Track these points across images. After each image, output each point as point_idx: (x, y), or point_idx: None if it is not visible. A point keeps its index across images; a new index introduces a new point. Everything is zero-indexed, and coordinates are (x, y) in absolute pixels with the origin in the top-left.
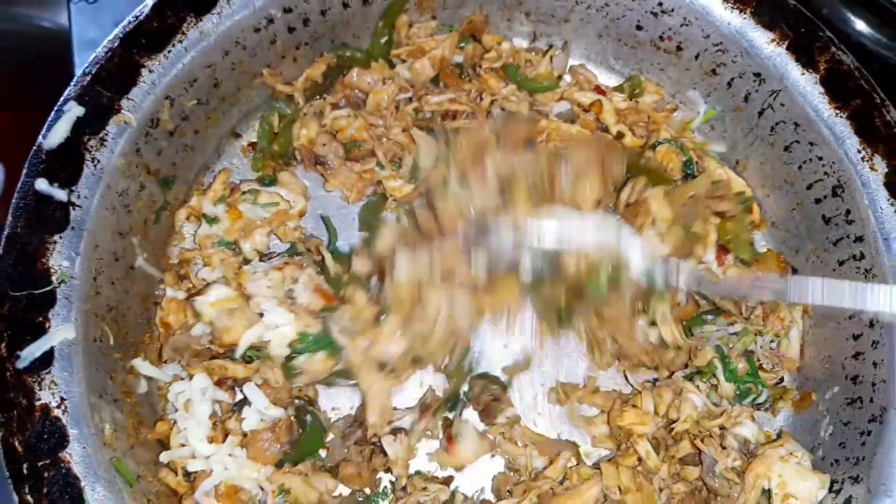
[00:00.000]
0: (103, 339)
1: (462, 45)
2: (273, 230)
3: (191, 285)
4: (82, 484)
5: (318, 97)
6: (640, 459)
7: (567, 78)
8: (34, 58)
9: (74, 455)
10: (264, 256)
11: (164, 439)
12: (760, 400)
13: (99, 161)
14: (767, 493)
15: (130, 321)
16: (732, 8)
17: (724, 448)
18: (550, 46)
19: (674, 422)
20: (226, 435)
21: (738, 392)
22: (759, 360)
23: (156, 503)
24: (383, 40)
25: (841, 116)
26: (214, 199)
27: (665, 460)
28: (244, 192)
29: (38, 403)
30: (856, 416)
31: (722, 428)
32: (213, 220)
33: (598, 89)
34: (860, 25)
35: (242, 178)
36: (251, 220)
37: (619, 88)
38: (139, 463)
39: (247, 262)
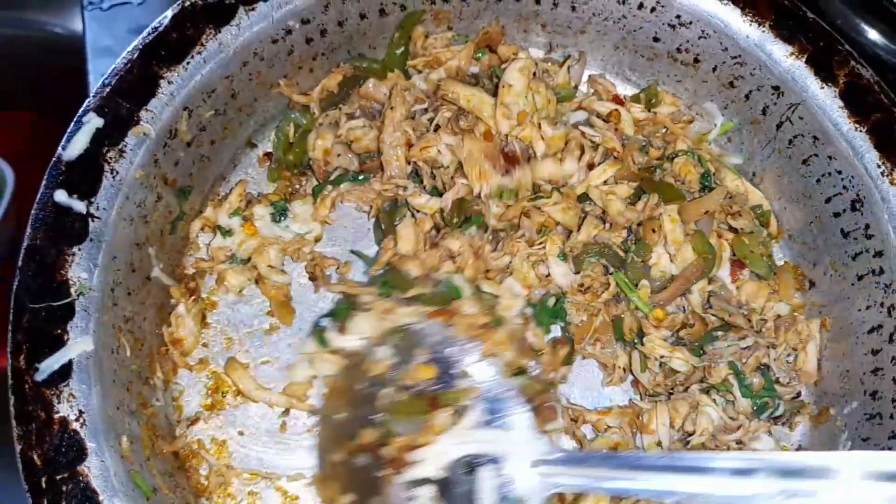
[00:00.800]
0: (120, 351)
1: (478, 55)
2: (286, 250)
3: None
4: (101, 497)
5: (333, 107)
6: None
7: (584, 88)
8: (48, 63)
9: (93, 468)
10: None
11: (179, 451)
12: (777, 413)
13: (118, 172)
14: None
15: (146, 332)
16: (751, 21)
17: None
18: (568, 57)
19: (690, 435)
20: None
21: (755, 407)
22: (775, 374)
23: None
24: (399, 51)
25: (860, 130)
26: (230, 210)
27: None
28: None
29: (56, 416)
30: (875, 432)
31: (739, 442)
32: (227, 233)
33: (617, 99)
34: (874, 35)
35: (260, 192)
36: (266, 237)
37: (636, 98)
38: (155, 475)
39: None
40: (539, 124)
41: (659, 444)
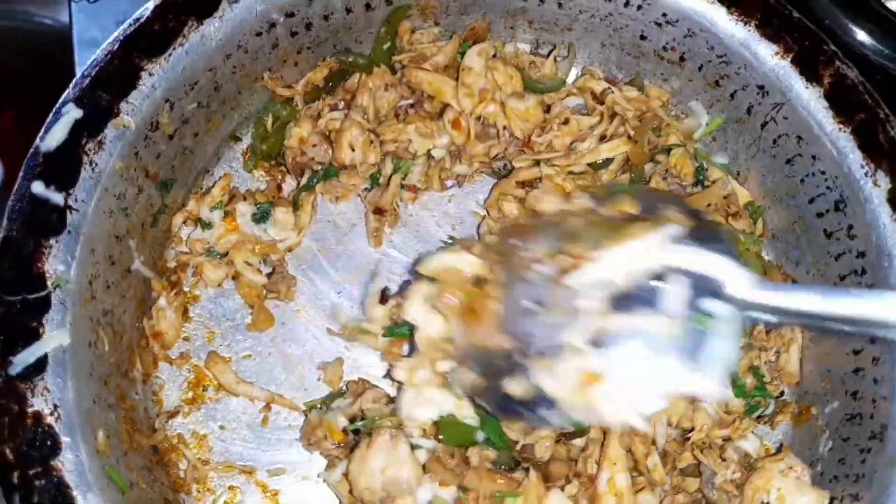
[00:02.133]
0: (98, 344)
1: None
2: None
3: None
4: (74, 493)
5: (317, 101)
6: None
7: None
8: (34, 56)
9: (67, 463)
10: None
11: (158, 445)
12: (767, 412)
13: (97, 164)
14: None
15: (126, 325)
16: (737, 20)
17: (723, 460)
18: (555, 46)
19: (688, 431)
20: None
21: (747, 406)
22: (763, 375)
23: None
24: (386, 46)
25: (844, 131)
26: (212, 203)
27: (669, 472)
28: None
29: (30, 410)
30: (855, 432)
31: (725, 440)
32: (206, 225)
33: (609, 80)
34: (861, 36)
35: (247, 189)
36: (246, 234)
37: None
38: (132, 469)
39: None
40: (503, 102)
41: (654, 443)
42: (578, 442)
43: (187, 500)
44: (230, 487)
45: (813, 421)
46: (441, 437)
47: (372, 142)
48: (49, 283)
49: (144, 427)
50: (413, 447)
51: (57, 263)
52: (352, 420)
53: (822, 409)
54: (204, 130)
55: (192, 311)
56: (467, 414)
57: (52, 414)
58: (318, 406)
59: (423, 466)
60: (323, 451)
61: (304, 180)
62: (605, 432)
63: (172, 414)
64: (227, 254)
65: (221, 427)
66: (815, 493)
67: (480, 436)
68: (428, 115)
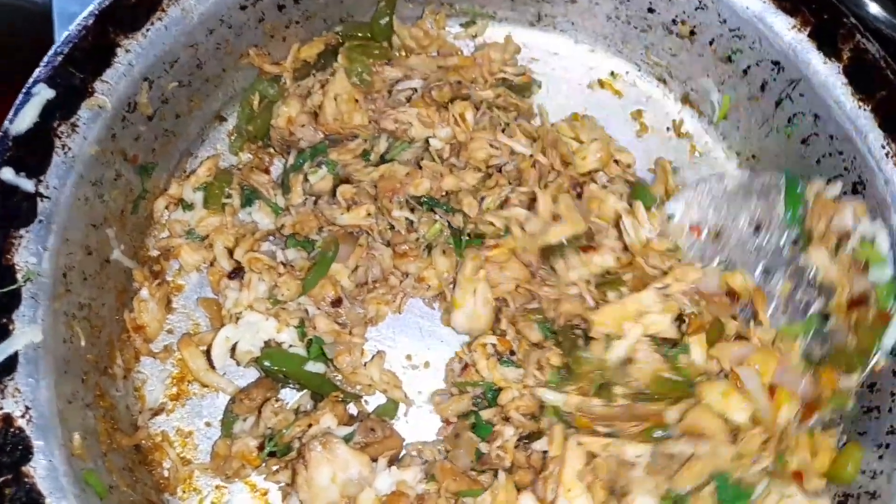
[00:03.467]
0: (74, 340)
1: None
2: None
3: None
4: (47, 500)
5: (307, 78)
6: None
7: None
8: (13, 32)
9: (39, 469)
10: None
11: (140, 444)
12: None
13: (70, 148)
14: None
15: (105, 318)
16: None
17: None
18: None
19: None
20: None
21: None
22: None
23: None
24: (384, 21)
25: (864, 109)
26: (196, 184)
27: None
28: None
29: None
30: (873, 427)
31: None
32: (188, 207)
33: None
34: (874, 9)
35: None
36: (238, 222)
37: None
38: (112, 471)
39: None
40: None
41: None
42: (538, 446)
43: (172, 501)
44: (217, 487)
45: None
46: (265, 363)
47: (357, 101)
48: (19, 276)
49: (126, 426)
50: (346, 440)
51: (27, 255)
52: (261, 443)
53: None
54: (186, 111)
55: (175, 301)
56: (288, 339)
57: (23, 416)
58: (221, 436)
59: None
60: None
61: (290, 160)
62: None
63: (156, 411)
64: (206, 237)
65: (208, 424)
66: None
67: (311, 366)
68: (434, 103)
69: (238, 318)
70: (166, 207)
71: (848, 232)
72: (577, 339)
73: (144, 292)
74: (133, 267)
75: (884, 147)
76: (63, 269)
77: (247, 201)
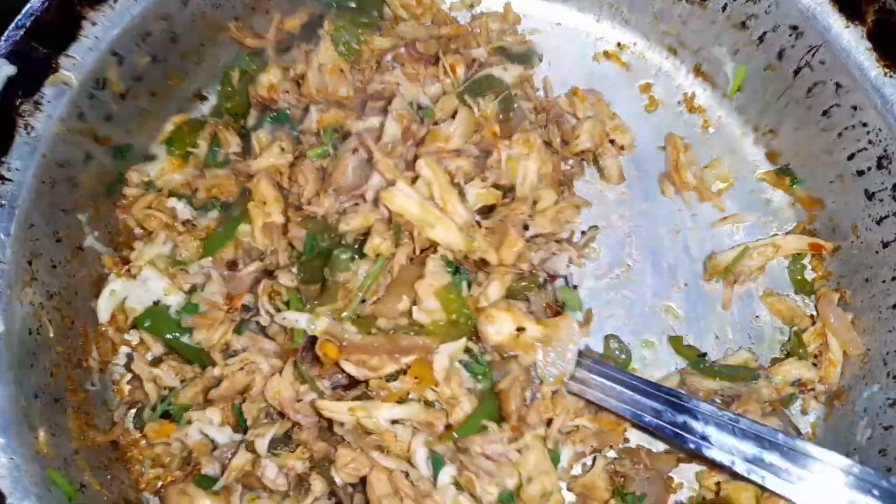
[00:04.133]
0: (42, 331)
1: None
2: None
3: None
4: (8, 501)
5: (291, 51)
6: None
7: None
8: None
9: (0, 468)
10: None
11: (118, 440)
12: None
13: (34, 128)
14: None
15: (78, 308)
16: None
17: None
18: None
19: None
20: None
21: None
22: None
23: None
24: None
25: (891, 76)
26: (162, 139)
27: None
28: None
29: None
30: None
31: None
32: (150, 158)
33: None
34: None
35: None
36: (194, 176)
37: None
38: (84, 470)
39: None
40: None
41: None
42: None
43: (152, 500)
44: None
45: (849, 405)
46: (145, 324)
47: (343, 71)
48: None
49: (102, 421)
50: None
51: None
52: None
53: (859, 392)
54: (162, 89)
55: None
56: (175, 304)
57: None
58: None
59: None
60: None
61: (251, 121)
62: None
63: (134, 404)
64: (160, 190)
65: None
66: None
67: (188, 338)
68: (421, 58)
69: (139, 274)
70: (136, 185)
71: None
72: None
73: (114, 278)
74: (109, 254)
75: None
76: (28, 257)
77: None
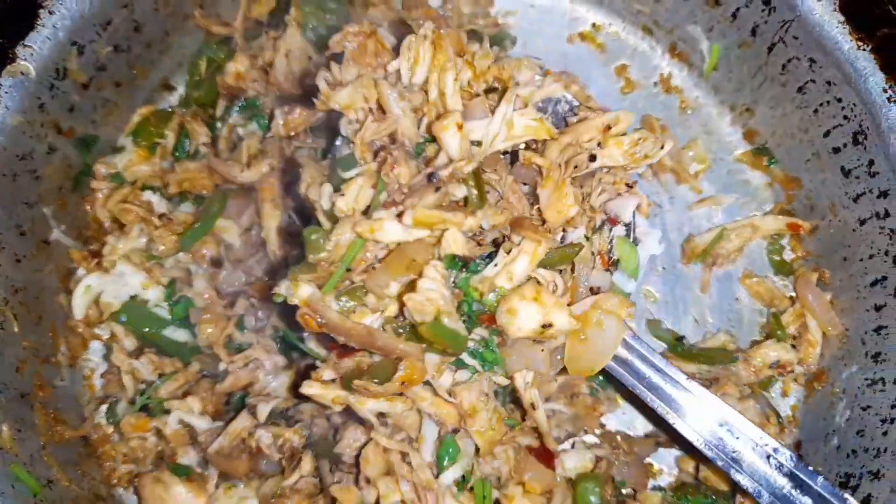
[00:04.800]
0: (6, 326)
1: None
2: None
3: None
4: None
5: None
6: None
7: None
8: None
9: None
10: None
11: (87, 436)
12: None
13: None
14: None
15: (45, 303)
16: None
17: None
18: None
19: None
20: None
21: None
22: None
23: None
24: None
25: (864, 49)
26: (129, 130)
27: None
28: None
29: None
30: (876, 400)
31: None
32: (118, 149)
33: None
34: None
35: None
36: (163, 168)
37: None
38: (52, 465)
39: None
40: None
41: None
42: None
43: (124, 496)
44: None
45: (828, 387)
46: (122, 318)
47: (311, 58)
48: None
49: (72, 416)
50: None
51: None
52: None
53: (838, 373)
54: (127, 79)
55: None
56: (153, 298)
57: None
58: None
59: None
60: None
61: (220, 111)
62: None
63: (106, 399)
64: (134, 183)
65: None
66: None
67: (171, 331)
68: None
69: (112, 268)
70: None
71: None
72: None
73: (82, 273)
74: (77, 248)
75: (885, 90)
76: None
77: (181, 147)
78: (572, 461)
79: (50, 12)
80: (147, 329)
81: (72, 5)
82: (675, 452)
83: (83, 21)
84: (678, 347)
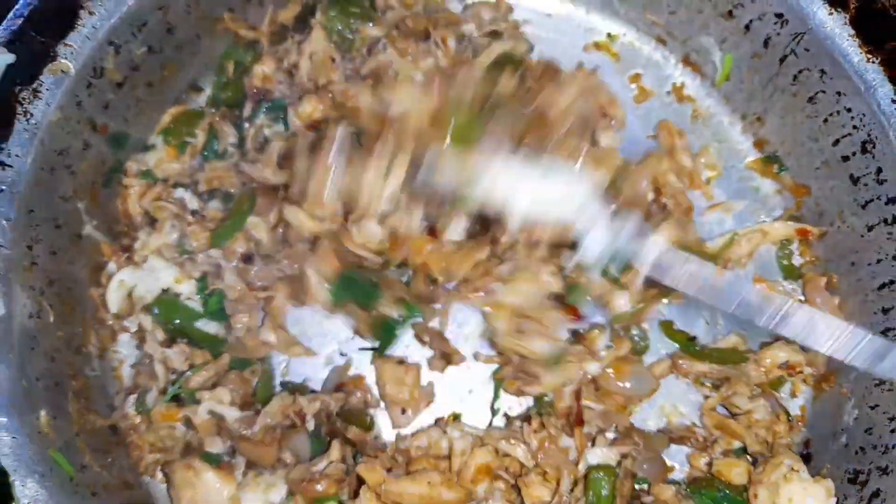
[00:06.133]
0: (42, 316)
1: None
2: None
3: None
4: (12, 478)
5: (285, 42)
6: None
7: None
8: None
9: (3, 446)
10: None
11: (117, 425)
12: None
13: (32, 115)
14: None
15: (77, 295)
16: None
17: None
18: None
19: None
20: None
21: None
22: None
23: (103, 495)
24: None
25: (873, 62)
26: (160, 129)
27: None
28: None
29: None
30: (884, 399)
31: None
32: (149, 147)
33: None
34: None
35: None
36: (192, 167)
37: None
38: (85, 451)
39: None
40: None
41: None
42: None
43: (152, 483)
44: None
45: (836, 387)
46: (155, 311)
47: (334, 60)
48: None
49: (102, 406)
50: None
51: None
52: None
53: (846, 374)
54: (159, 79)
55: None
56: (186, 291)
57: None
58: None
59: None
60: None
61: (247, 111)
62: None
63: (135, 390)
64: (166, 180)
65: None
66: (820, 487)
67: (203, 323)
68: (410, 34)
69: (143, 262)
70: (135, 175)
71: None
72: None
73: (112, 266)
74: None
75: (894, 102)
76: (29, 242)
77: (211, 147)
78: (596, 458)
79: (90, 13)
80: (179, 321)
81: (110, 6)
82: (685, 449)
83: (121, 22)
84: (690, 347)
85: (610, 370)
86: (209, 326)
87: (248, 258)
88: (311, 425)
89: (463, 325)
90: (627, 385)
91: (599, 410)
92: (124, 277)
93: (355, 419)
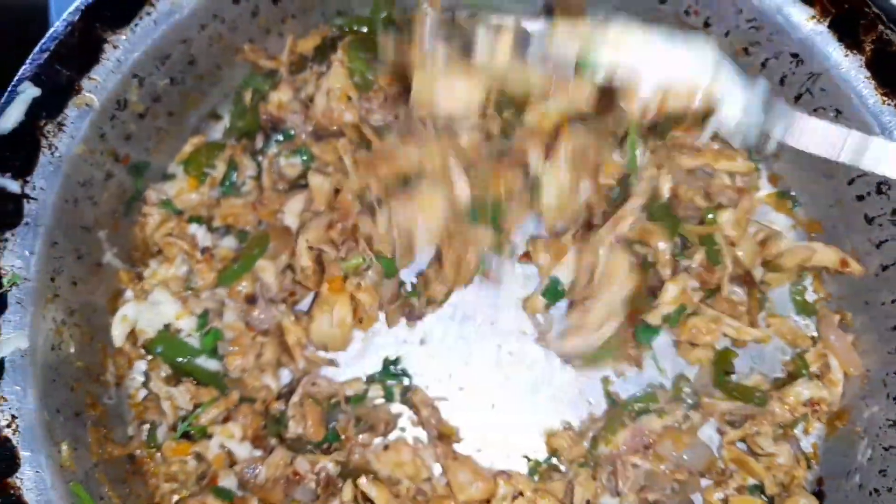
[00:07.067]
0: (63, 347)
1: None
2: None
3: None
4: None
5: (304, 72)
6: None
7: None
8: (10, 31)
9: (26, 480)
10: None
11: (134, 454)
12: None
13: (57, 148)
14: None
15: (97, 324)
16: None
17: None
18: None
19: None
20: None
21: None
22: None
23: None
24: (383, 15)
25: (889, 104)
26: (181, 159)
27: None
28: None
29: None
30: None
31: None
32: (169, 177)
33: None
34: None
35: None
36: (210, 197)
37: None
38: (104, 483)
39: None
40: None
41: None
42: None
43: None
44: None
45: (850, 426)
46: (157, 349)
47: (350, 98)
48: (5, 280)
49: (119, 435)
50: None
51: (13, 258)
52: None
53: (859, 412)
54: (180, 109)
55: None
56: (186, 327)
57: (9, 426)
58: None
59: None
60: None
61: (259, 144)
62: None
63: (146, 421)
64: (181, 213)
65: None
66: None
67: (204, 360)
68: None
69: (150, 293)
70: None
71: None
72: None
73: (130, 294)
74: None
75: None
76: (51, 274)
77: (230, 180)
78: None
79: (114, 47)
80: (180, 359)
81: (135, 40)
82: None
83: (145, 55)
84: (722, 380)
85: (668, 441)
86: (210, 364)
87: (250, 299)
88: (311, 484)
89: None
90: (684, 457)
91: (646, 469)
92: (127, 312)
93: (358, 476)
